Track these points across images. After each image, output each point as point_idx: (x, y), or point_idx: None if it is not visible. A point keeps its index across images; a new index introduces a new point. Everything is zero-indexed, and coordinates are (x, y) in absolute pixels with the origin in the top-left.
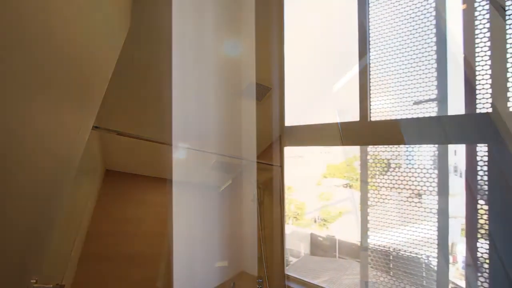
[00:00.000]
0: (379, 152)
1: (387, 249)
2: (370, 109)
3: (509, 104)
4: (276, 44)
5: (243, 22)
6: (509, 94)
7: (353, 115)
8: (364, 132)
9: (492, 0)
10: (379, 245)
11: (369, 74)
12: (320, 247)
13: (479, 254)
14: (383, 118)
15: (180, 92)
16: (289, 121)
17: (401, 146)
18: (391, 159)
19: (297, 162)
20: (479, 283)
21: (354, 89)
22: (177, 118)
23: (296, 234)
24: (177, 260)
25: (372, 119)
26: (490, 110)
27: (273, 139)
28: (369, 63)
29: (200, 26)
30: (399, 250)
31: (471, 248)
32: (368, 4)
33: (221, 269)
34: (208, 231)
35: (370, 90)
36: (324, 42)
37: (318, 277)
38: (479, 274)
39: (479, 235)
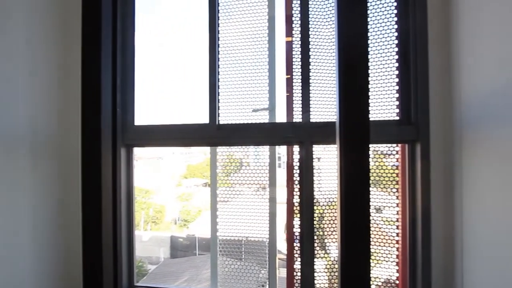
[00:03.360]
0: (233, 152)
1: (240, 238)
2: (218, 113)
3: (311, 116)
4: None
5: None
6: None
7: (204, 118)
8: (213, 134)
9: (303, 37)
10: (232, 236)
11: (218, 81)
12: (180, 248)
13: (294, 230)
14: (229, 122)
15: None
16: (139, 120)
17: (250, 147)
18: (242, 158)
19: (157, 164)
20: (294, 251)
21: (205, 94)
22: None
23: (155, 240)
24: None
25: (221, 122)
26: (300, 119)
27: (104, 139)
28: (218, 72)
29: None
30: (248, 236)
31: (290, 225)
32: (218, 25)
33: None
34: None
35: (219, 96)
36: (180, 50)
37: (178, 279)
38: (295, 244)
39: (295, 215)
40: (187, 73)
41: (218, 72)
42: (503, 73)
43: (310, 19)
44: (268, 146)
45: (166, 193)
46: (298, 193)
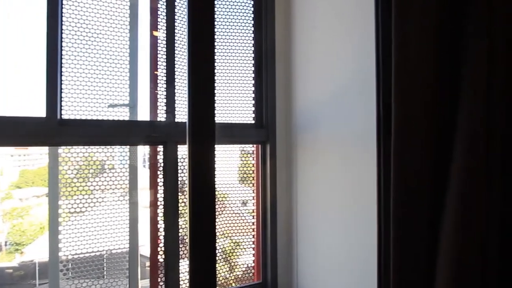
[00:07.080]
0: (93, 153)
1: (101, 253)
2: (61, 106)
3: (177, 116)
4: None
5: None
6: (175, 109)
7: (37, 111)
8: (53, 131)
9: (168, 32)
10: (89, 252)
11: (61, 66)
12: (10, 282)
13: (159, 233)
14: (76, 117)
15: None
16: None
17: (115, 147)
18: (106, 160)
19: None
20: (159, 256)
21: (40, 83)
22: None
23: None
24: None
25: (64, 117)
26: (164, 119)
27: None
28: (61, 55)
29: None
30: (112, 249)
31: (154, 229)
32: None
33: None
34: None
35: (61, 85)
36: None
37: None
38: (159, 249)
39: (159, 219)
40: (19, 55)
41: (61, 55)
42: (320, 88)
43: (176, 15)
44: (136, 146)
45: None
46: (163, 195)
